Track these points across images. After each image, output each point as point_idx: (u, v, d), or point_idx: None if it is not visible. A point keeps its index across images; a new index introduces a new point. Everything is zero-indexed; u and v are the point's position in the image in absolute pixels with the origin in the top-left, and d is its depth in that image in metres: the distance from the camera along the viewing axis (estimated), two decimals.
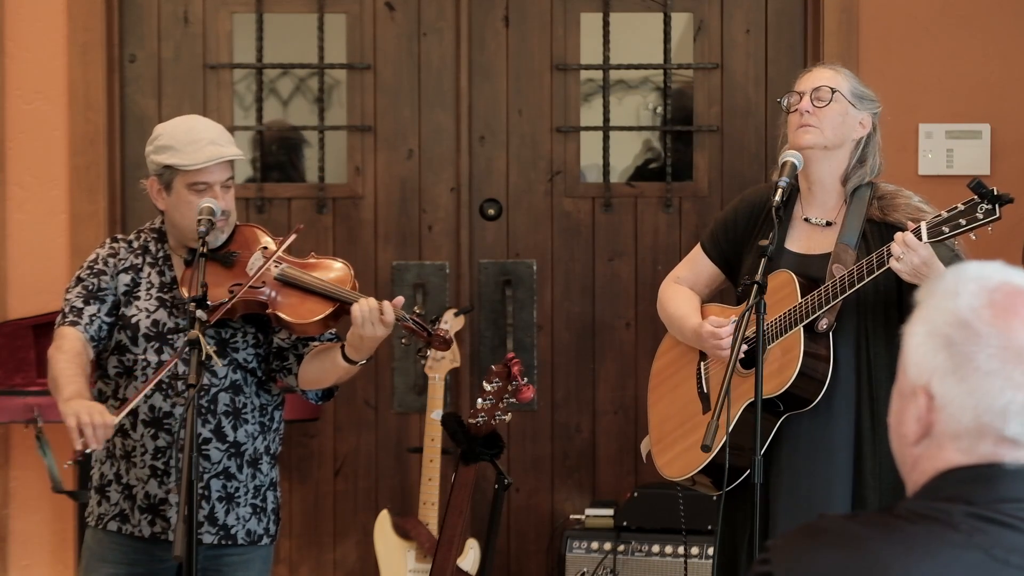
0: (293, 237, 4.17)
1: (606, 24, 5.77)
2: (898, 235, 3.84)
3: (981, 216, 3.74)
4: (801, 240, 4.15)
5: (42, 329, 5.42)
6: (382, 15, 5.77)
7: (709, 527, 5.12)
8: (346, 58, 5.79)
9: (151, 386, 4.01)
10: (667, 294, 4.35)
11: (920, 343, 1.89)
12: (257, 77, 5.81)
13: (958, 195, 5.41)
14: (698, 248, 4.37)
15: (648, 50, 5.81)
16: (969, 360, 1.85)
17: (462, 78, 5.74)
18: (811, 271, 4.07)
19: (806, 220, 4.16)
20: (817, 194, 4.15)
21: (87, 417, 3.82)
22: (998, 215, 3.72)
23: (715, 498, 5.02)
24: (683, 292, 4.32)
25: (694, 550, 5.25)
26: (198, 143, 4.09)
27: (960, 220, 3.77)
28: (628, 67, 5.81)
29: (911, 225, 3.88)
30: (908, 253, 3.79)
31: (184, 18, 5.75)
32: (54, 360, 4.04)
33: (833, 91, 4.09)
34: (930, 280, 3.77)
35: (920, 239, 3.79)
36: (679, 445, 4.26)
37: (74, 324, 4.09)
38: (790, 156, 4.07)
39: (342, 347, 4.12)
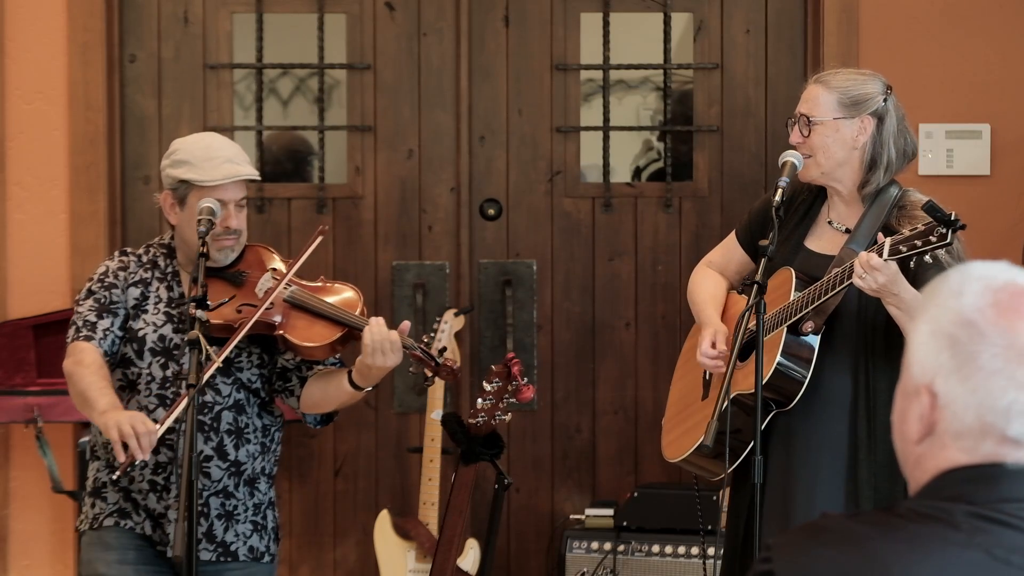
0: (319, 240, 4.15)
1: (606, 24, 5.77)
2: (862, 254, 3.83)
3: (934, 239, 3.72)
4: (821, 240, 4.15)
5: (42, 329, 5.42)
6: (382, 15, 5.77)
7: (710, 527, 5.11)
8: (346, 58, 5.79)
9: (184, 402, 3.93)
10: (696, 278, 4.38)
11: (924, 342, 1.89)
12: (257, 77, 5.81)
13: (958, 195, 5.42)
14: (732, 235, 4.39)
15: (648, 50, 5.81)
16: (972, 359, 1.85)
17: (462, 78, 5.74)
18: (817, 271, 4.07)
19: (829, 223, 4.16)
20: (838, 202, 4.15)
21: (129, 428, 3.78)
22: (949, 240, 3.71)
23: (715, 498, 5.04)
24: (712, 278, 4.34)
25: (694, 550, 5.25)
26: (215, 160, 4.08)
27: (916, 241, 3.76)
28: (628, 67, 5.81)
29: (880, 238, 3.87)
30: (872, 272, 3.79)
31: (184, 18, 5.75)
32: (78, 375, 4.00)
33: (810, 120, 4.06)
34: (895, 295, 3.79)
35: (882, 256, 3.79)
36: (678, 428, 4.30)
37: (89, 339, 4.06)
38: (790, 156, 4.07)
39: (349, 372, 4.12)
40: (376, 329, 4.01)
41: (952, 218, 3.68)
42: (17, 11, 5.58)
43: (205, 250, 3.98)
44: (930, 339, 1.88)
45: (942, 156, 5.54)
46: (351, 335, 4.08)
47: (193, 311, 3.86)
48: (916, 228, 3.77)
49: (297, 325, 4.09)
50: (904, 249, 3.76)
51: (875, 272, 3.77)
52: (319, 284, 4.20)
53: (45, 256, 5.57)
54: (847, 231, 4.12)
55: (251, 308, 4.08)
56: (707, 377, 4.26)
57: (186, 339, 3.84)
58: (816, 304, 3.94)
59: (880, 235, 3.87)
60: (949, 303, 1.88)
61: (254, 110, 5.81)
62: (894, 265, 3.77)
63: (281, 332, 4.07)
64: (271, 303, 4.08)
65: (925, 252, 3.74)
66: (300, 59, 5.84)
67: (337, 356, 4.22)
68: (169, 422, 3.92)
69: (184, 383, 3.84)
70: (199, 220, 4.03)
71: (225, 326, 4.03)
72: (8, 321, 5.51)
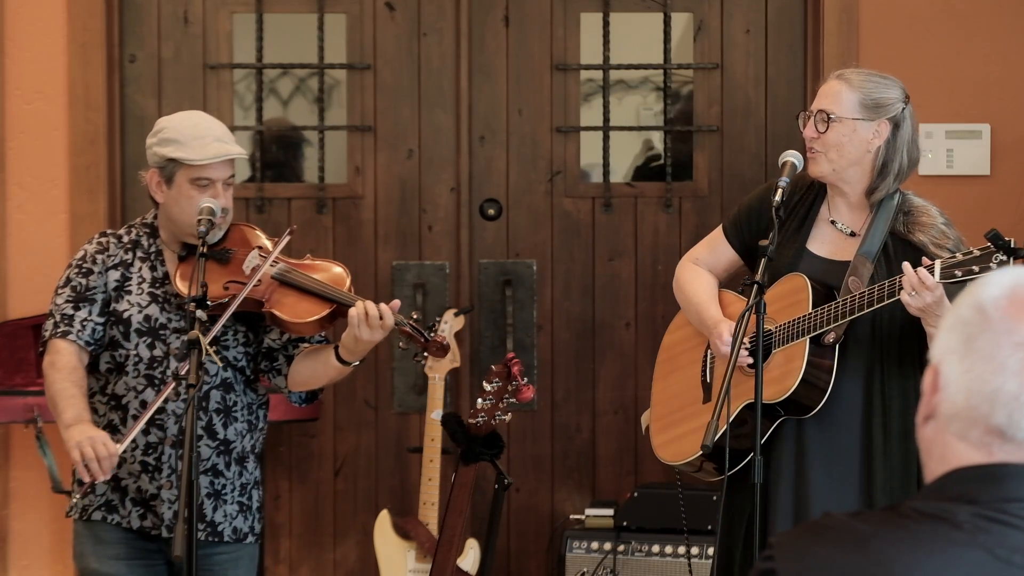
0: (287, 239, 4.19)
1: (606, 24, 5.77)
2: (911, 272, 3.80)
3: (995, 266, 3.71)
4: (824, 244, 4.13)
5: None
6: (382, 15, 5.77)
7: (709, 527, 5.12)
8: (346, 58, 5.79)
9: (151, 412, 4.00)
10: (686, 276, 4.33)
11: (943, 324, 1.92)
12: (257, 77, 5.81)
13: (958, 195, 5.43)
14: (719, 232, 4.34)
15: (648, 50, 5.81)
16: (972, 341, 1.86)
17: (462, 78, 5.74)
18: (828, 278, 4.05)
19: (832, 223, 4.14)
20: (840, 204, 4.13)
21: (90, 451, 3.85)
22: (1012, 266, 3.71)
23: (715, 498, 5.03)
24: (703, 276, 4.30)
25: (695, 550, 5.25)
26: (204, 139, 4.11)
27: (973, 267, 3.75)
28: (628, 67, 5.81)
29: (926, 261, 3.84)
30: (922, 291, 3.77)
31: (184, 18, 5.75)
32: (50, 379, 4.06)
33: (829, 117, 4.03)
34: (938, 317, 3.77)
35: (934, 276, 3.77)
36: (675, 429, 4.27)
37: (66, 335, 4.09)
38: (790, 156, 4.05)
39: (335, 347, 4.13)
40: (361, 304, 4.03)
41: (1012, 246, 3.68)
42: (17, 11, 5.58)
43: (205, 250, 4.00)
44: (947, 321, 1.91)
45: (942, 156, 5.54)
46: (339, 311, 4.10)
47: (193, 310, 3.88)
48: (971, 253, 3.76)
49: (285, 301, 4.10)
50: (960, 274, 3.75)
51: (926, 292, 3.76)
52: (306, 261, 4.22)
53: (45, 256, 5.56)
54: (852, 234, 4.10)
55: (237, 285, 4.10)
56: (708, 380, 4.24)
57: (186, 339, 3.85)
58: (856, 316, 3.91)
59: (925, 259, 3.85)
60: (974, 291, 1.90)
61: (254, 110, 5.82)
62: (941, 286, 3.77)
63: (269, 309, 4.08)
64: (259, 280, 4.09)
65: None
66: (300, 59, 5.84)
67: (323, 335, 4.24)
68: (128, 441, 3.96)
69: (185, 383, 3.86)
70: (199, 220, 4.05)
71: (213, 301, 4.04)
72: (8, 321, 5.52)
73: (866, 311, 3.90)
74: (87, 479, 3.88)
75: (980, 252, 3.75)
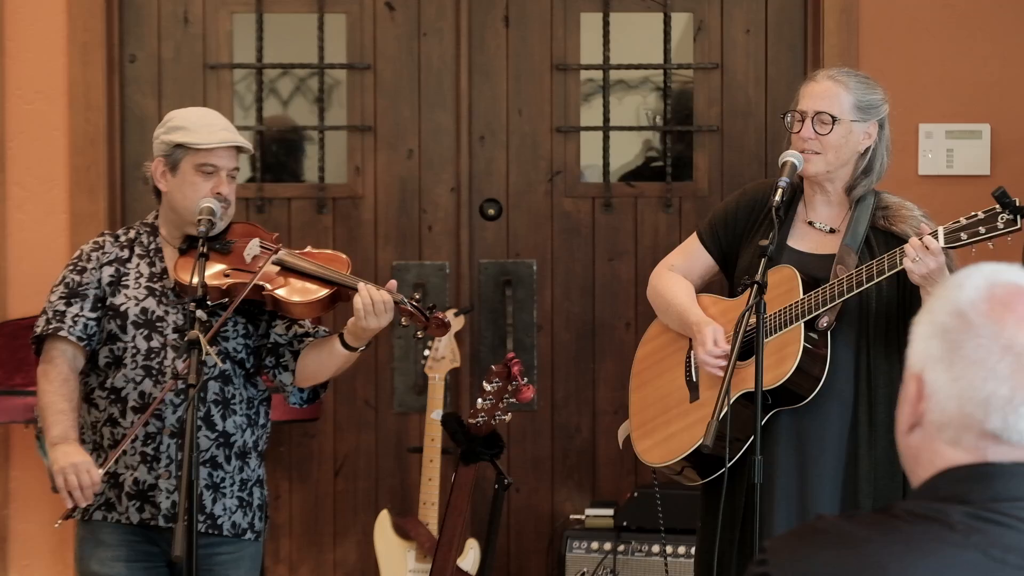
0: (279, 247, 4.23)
1: (606, 24, 5.77)
2: (914, 239, 3.82)
3: (1001, 226, 3.72)
4: (805, 240, 4.15)
5: None
6: (382, 15, 5.77)
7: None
8: (346, 58, 5.79)
9: (139, 428, 4.05)
10: (663, 282, 4.33)
11: (920, 332, 1.91)
12: (257, 77, 5.81)
13: (958, 195, 5.42)
14: (694, 238, 4.35)
15: (648, 50, 5.81)
16: (958, 348, 1.86)
17: (462, 78, 5.74)
18: (813, 270, 4.06)
19: (810, 223, 4.15)
20: (820, 203, 4.15)
21: (74, 479, 3.93)
22: (1020, 226, 3.72)
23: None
24: (680, 281, 4.30)
25: (694, 550, 5.25)
26: (212, 127, 4.19)
27: (979, 228, 3.76)
28: (628, 67, 5.81)
29: (925, 228, 3.86)
30: (925, 256, 3.78)
31: (184, 18, 5.75)
32: (41, 388, 4.11)
33: (834, 119, 4.05)
34: (937, 284, 3.79)
35: (938, 241, 3.79)
36: (662, 432, 4.26)
37: (57, 331, 4.12)
38: (790, 156, 4.06)
39: (340, 335, 4.15)
40: (366, 291, 4.06)
41: (1020, 203, 3.70)
42: (17, 11, 5.59)
43: (204, 250, 4.02)
44: (925, 328, 1.90)
45: (942, 156, 5.54)
46: (340, 294, 4.12)
47: (193, 310, 3.90)
48: (975, 215, 3.77)
49: (286, 285, 4.13)
50: (965, 236, 3.77)
51: (929, 257, 3.77)
52: (307, 250, 4.25)
53: (45, 256, 5.56)
54: (831, 231, 4.12)
55: (239, 272, 4.12)
56: (693, 379, 4.23)
57: (186, 339, 3.87)
58: (846, 297, 3.92)
59: (924, 225, 3.88)
60: (948, 295, 1.90)
61: (254, 110, 5.82)
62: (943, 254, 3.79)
63: (270, 292, 4.09)
64: (259, 267, 4.12)
65: (990, 238, 3.75)
66: (300, 59, 5.84)
67: (326, 330, 4.27)
68: (111, 464, 4.03)
69: (184, 382, 3.88)
70: (199, 220, 4.08)
71: (214, 289, 4.07)
72: (8, 321, 5.52)
73: (864, 287, 3.91)
74: (69, 505, 3.96)
75: (985, 214, 3.76)
